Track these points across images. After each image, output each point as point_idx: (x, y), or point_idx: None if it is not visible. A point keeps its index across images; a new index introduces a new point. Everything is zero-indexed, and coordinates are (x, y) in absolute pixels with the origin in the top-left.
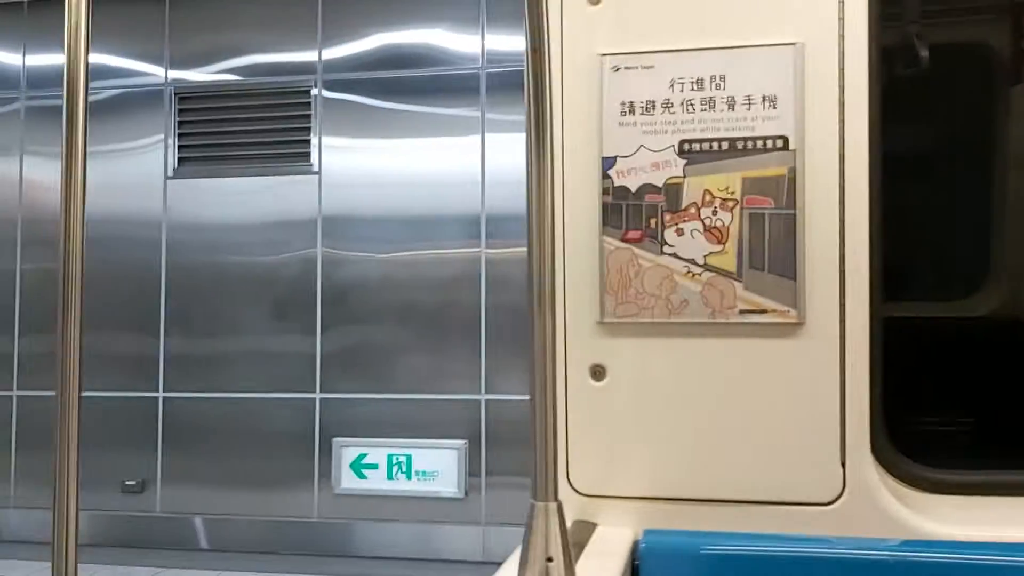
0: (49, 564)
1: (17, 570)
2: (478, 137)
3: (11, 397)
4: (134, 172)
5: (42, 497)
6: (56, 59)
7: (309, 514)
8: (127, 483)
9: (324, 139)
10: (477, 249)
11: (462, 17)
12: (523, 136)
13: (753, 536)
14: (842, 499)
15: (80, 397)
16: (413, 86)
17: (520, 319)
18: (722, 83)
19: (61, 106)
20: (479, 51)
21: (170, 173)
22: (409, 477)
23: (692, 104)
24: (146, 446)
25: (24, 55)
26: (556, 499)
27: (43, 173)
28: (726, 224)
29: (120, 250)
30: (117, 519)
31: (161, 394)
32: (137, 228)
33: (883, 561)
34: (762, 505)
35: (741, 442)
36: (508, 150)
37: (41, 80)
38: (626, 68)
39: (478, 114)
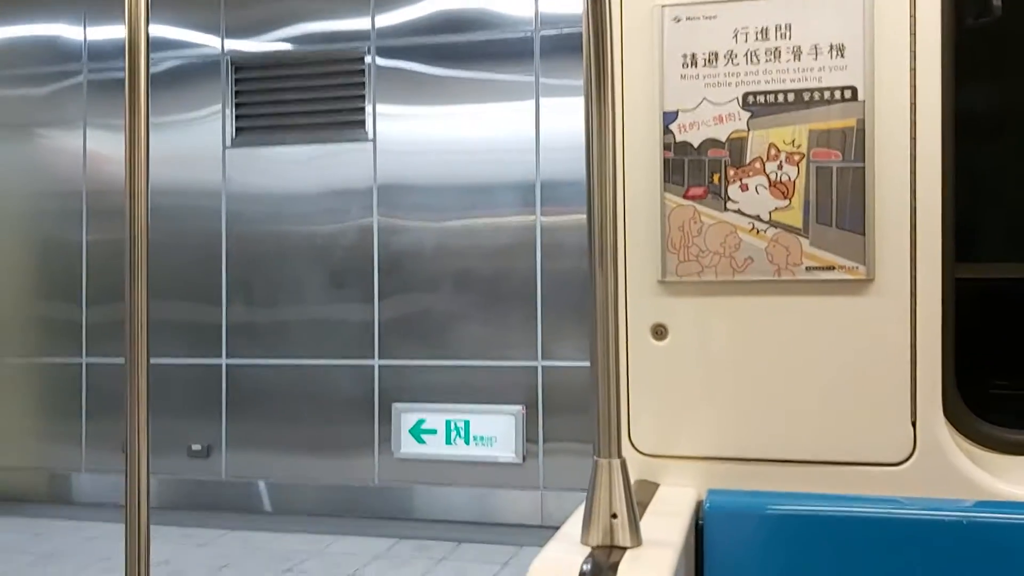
0: (120, 526)
1: (89, 531)
2: (532, 102)
3: (80, 364)
4: (193, 143)
5: (110, 461)
6: (116, 32)
7: (370, 478)
8: (193, 448)
9: (378, 107)
10: (532, 216)
11: None
12: (578, 101)
13: (820, 496)
14: (912, 459)
15: (148, 364)
16: (466, 51)
17: (575, 286)
18: (787, 32)
19: (122, 79)
20: (533, 14)
21: (228, 143)
22: (467, 442)
23: (756, 55)
24: (211, 412)
25: (85, 28)
26: (620, 456)
27: (106, 145)
28: (792, 178)
29: (181, 220)
30: (184, 483)
31: (224, 361)
32: (197, 198)
33: (955, 522)
34: (829, 465)
35: (807, 402)
36: (562, 115)
37: (102, 53)
38: (688, 19)
39: (532, 79)
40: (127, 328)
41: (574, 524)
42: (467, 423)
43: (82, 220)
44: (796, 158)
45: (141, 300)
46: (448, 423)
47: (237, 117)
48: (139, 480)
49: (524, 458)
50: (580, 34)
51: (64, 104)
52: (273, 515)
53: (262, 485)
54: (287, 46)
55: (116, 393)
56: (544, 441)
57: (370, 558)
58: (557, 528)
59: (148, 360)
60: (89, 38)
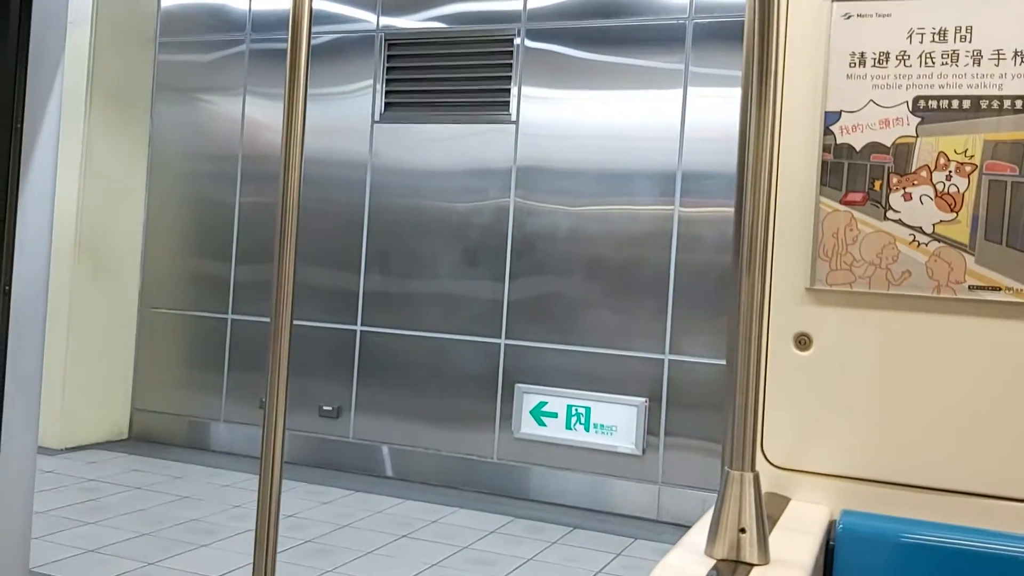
0: (251, 475)
1: (223, 479)
2: (679, 91)
3: (226, 320)
4: (344, 115)
5: (247, 414)
6: (279, 3)
7: (488, 454)
8: (324, 408)
9: (524, 89)
10: (670, 207)
11: None
12: (727, 91)
13: (960, 529)
14: None
15: (291, 329)
16: (616, 36)
17: (710, 281)
18: (968, 35)
19: (282, 49)
20: (687, 1)
21: (377, 117)
22: (587, 429)
23: (932, 57)
24: (343, 375)
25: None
26: (753, 469)
27: (263, 112)
28: (961, 191)
29: (327, 189)
30: (312, 441)
31: (359, 327)
32: (344, 169)
33: None
34: (973, 497)
35: (955, 428)
36: (709, 105)
37: (265, 24)
38: (859, 15)
39: (681, 67)
40: (273, 294)
41: (699, 533)
42: (588, 410)
43: (236, 183)
44: (967, 169)
45: (288, 267)
46: (569, 408)
47: (387, 93)
48: (275, 437)
49: (644, 450)
50: (733, 23)
51: (226, 71)
52: (393, 480)
53: (385, 450)
54: (440, 24)
55: (257, 349)
56: (665, 435)
57: (485, 532)
58: (672, 523)
59: (291, 325)
60: (253, 8)
